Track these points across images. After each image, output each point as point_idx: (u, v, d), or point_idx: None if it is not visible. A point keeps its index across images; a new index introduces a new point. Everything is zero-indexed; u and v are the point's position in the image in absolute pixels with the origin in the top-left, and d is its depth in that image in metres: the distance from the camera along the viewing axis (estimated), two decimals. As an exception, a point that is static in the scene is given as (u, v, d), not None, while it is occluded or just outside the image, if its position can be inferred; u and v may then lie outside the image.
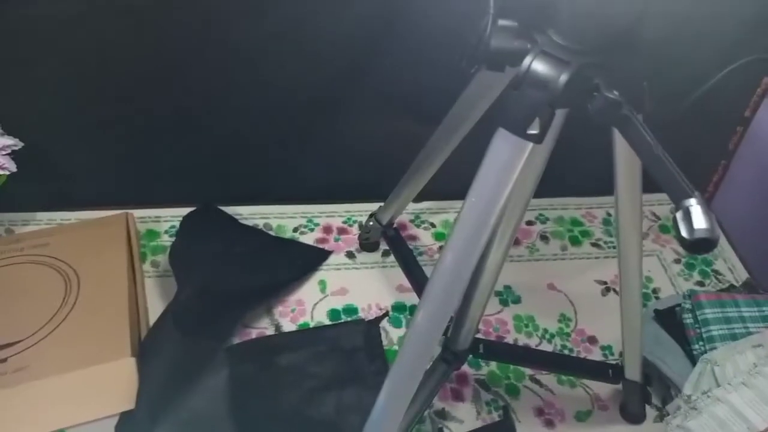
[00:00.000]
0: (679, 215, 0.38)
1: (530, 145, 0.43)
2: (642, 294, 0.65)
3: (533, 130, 0.42)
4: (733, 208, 1.12)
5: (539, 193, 1.03)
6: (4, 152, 0.78)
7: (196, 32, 0.80)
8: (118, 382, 0.66)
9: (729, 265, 0.99)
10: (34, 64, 0.80)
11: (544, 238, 1.00)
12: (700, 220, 0.37)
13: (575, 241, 1.00)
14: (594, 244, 1.00)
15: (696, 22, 0.84)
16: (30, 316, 0.70)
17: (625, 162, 0.54)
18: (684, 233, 0.37)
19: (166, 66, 0.83)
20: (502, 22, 0.44)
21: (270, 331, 0.84)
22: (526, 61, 0.42)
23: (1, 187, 0.83)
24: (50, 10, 0.75)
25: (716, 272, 0.98)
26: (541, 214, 1.04)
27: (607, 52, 0.43)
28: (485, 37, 0.43)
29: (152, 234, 0.93)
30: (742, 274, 0.97)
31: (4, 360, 0.66)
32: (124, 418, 0.66)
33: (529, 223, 1.02)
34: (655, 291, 0.94)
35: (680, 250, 1.01)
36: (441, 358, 0.72)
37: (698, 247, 0.37)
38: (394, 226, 0.91)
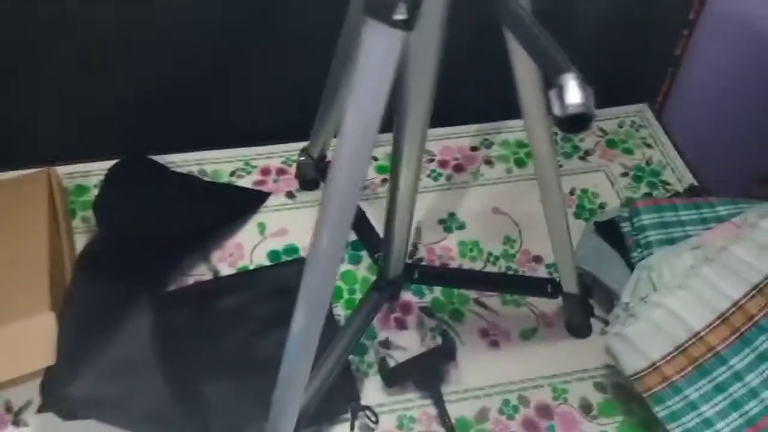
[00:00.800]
0: (552, 93, 0.35)
1: (401, 33, 0.40)
2: (564, 204, 0.63)
3: (400, 15, 0.39)
4: (683, 117, 1.10)
5: (484, 117, 1.03)
6: None
7: None
8: (39, 338, 0.64)
9: (678, 175, 0.97)
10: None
11: (488, 162, 0.98)
12: (574, 95, 0.35)
13: (520, 163, 0.98)
14: (540, 165, 0.97)
15: None
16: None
17: (525, 74, 0.51)
18: (556, 110, 0.35)
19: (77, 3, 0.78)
20: None
21: (208, 277, 0.82)
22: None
23: None
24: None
25: (664, 182, 0.96)
26: (485, 139, 1.01)
27: None
28: None
29: (81, 189, 0.90)
30: (691, 183, 0.95)
31: None
32: (48, 373, 0.65)
33: (473, 149, 1.00)
34: (601, 206, 0.93)
35: (628, 163, 0.99)
36: (374, 287, 0.71)
37: (572, 124, 0.35)
38: (327, 159, 0.88)
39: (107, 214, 0.78)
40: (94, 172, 0.91)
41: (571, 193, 0.94)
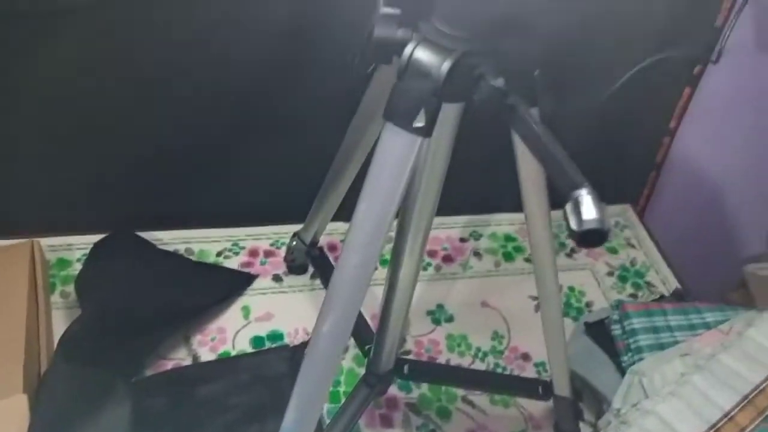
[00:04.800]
0: (568, 207, 0.36)
1: (419, 139, 0.41)
2: (562, 308, 0.63)
3: (419, 123, 0.40)
4: (665, 219, 1.13)
5: (472, 210, 1.04)
6: None
7: (104, 47, 0.76)
8: (10, 420, 0.60)
9: (661, 277, 0.99)
10: None
11: (477, 254, 0.99)
12: (590, 211, 0.35)
13: (509, 257, 0.99)
14: (527, 260, 0.98)
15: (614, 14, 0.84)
16: None
17: (529, 175, 0.53)
18: (573, 225, 0.35)
19: (74, 81, 0.79)
20: (385, 10, 0.42)
21: (187, 362, 0.79)
22: (408, 49, 0.40)
23: None
24: None
25: (649, 284, 0.97)
26: (474, 231, 1.02)
27: (493, 39, 0.41)
28: (370, 28, 0.41)
29: (63, 263, 0.87)
30: (675, 285, 0.97)
31: None
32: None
33: (462, 240, 1.01)
34: (588, 305, 0.93)
35: (613, 262, 1.01)
36: (363, 381, 0.69)
37: (588, 239, 0.35)
38: (319, 245, 0.88)
39: (89, 290, 0.75)
40: (78, 245, 0.89)
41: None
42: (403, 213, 0.55)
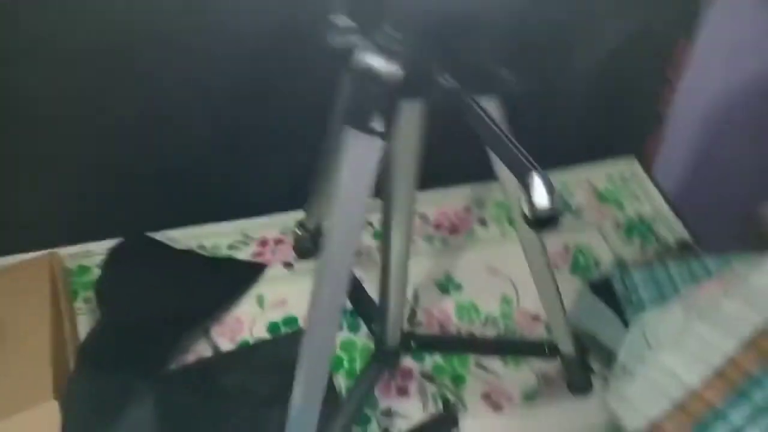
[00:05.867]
0: (521, 193, 0.37)
1: (379, 141, 0.43)
2: (549, 266, 0.64)
3: (377, 126, 0.42)
4: (671, 171, 1.12)
5: (474, 179, 1.05)
6: None
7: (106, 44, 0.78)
8: (43, 427, 0.64)
9: (669, 227, 0.99)
10: None
11: (482, 222, 1.00)
12: (541, 196, 0.37)
13: (513, 222, 1.00)
14: (532, 223, 0.99)
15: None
16: (-49, 370, 0.69)
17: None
18: (526, 211, 0.37)
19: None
20: (338, 20, 0.43)
21: (208, 353, 0.83)
22: (359, 54, 0.42)
23: None
24: None
25: (656, 236, 0.98)
26: (478, 200, 1.03)
27: (444, 39, 0.42)
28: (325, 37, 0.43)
29: (83, 270, 0.92)
30: (683, 236, 0.97)
31: (-76, 417, 0.65)
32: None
33: (467, 209, 1.02)
34: (597, 262, 0.94)
35: (620, 218, 1.01)
36: (374, 357, 0.71)
37: (542, 223, 0.37)
38: (322, 231, 0.90)
39: (108, 296, 0.79)
40: (96, 252, 0.93)
41: (566, 250, 0.96)
42: (385, 189, 0.56)
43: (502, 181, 0.56)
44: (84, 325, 0.83)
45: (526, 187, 0.37)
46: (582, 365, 0.76)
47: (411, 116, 0.48)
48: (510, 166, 0.39)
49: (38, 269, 0.82)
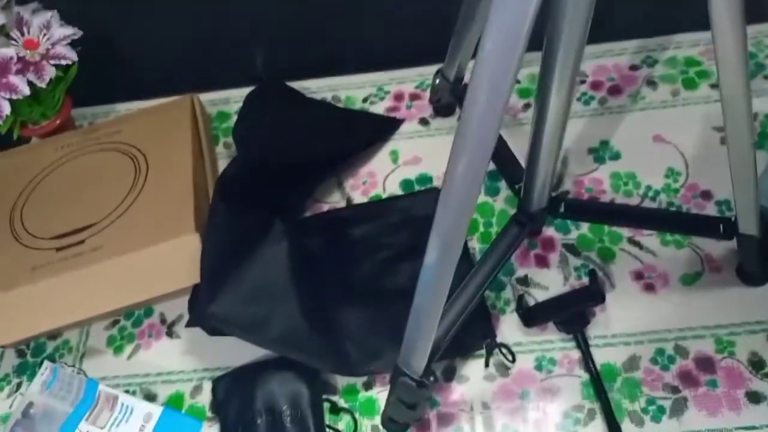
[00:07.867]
0: None
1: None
2: (753, 138, 0.52)
3: None
4: None
5: (645, 32, 0.90)
6: (64, 42, 0.78)
7: None
8: (185, 258, 0.67)
9: None
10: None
11: (651, 83, 0.86)
12: None
13: (690, 85, 0.85)
14: (714, 86, 0.84)
15: None
16: (104, 200, 0.73)
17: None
18: None
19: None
20: None
21: (342, 205, 0.81)
22: None
23: (74, 80, 0.84)
24: None
25: None
26: (648, 56, 0.89)
27: None
28: None
29: (223, 116, 0.92)
30: None
31: (82, 241, 0.69)
32: (194, 292, 0.68)
33: (633, 67, 0.88)
34: (789, 133, 0.78)
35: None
36: (514, 220, 0.65)
37: None
38: (464, 82, 0.82)
39: (245, 138, 0.78)
40: (234, 98, 0.93)
41: (754, 118, 0.80)
42: (549, 34, 0.47)
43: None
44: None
45: None
46: (762, 251, 0.65)
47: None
48: None
49: (181, 109, 0.82)
